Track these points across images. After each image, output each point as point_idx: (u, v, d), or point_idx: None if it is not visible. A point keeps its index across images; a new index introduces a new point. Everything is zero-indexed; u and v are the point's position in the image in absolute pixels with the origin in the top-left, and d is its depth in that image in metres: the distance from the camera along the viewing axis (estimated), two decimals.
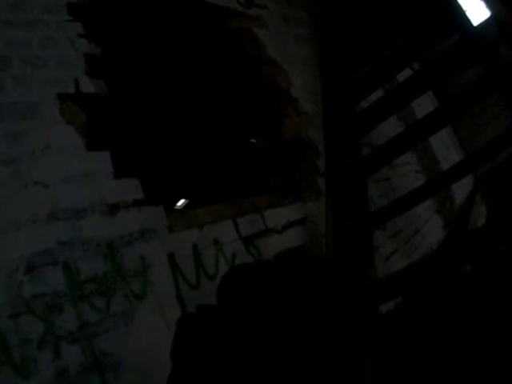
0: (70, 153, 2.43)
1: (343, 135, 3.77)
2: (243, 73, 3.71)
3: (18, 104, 2.38)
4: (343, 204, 3.50)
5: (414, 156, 5.56)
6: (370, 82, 3.93)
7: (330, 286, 1.53)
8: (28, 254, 2.13)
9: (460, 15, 3.55)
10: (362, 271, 3.32)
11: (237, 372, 1.26)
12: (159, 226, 2.55)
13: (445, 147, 7.87)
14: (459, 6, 3.59)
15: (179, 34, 3.49)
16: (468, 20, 3.57)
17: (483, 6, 4.08)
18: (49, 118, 2.46)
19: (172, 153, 2.96)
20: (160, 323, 2.35)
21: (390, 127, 4.99)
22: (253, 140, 3.78)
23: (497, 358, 2.20)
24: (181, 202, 7.90)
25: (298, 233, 3.30)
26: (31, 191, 2.27)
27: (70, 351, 2.05)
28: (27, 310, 2.01)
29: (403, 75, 4.50)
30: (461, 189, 7.46)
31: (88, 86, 2.65)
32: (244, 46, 3.81)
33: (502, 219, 2.78)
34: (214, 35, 3.70)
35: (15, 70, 2.49)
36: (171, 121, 3.22)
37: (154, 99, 3.16)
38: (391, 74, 4.12)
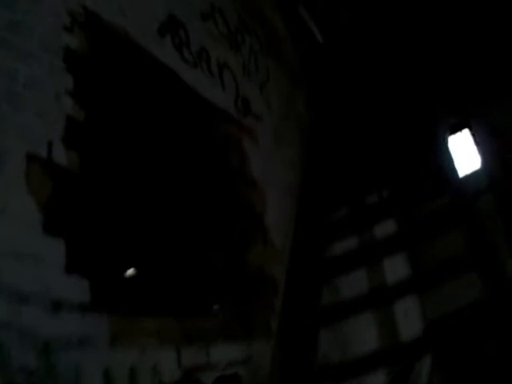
0: (26, 227, 2.00)
1: (307, 280, 3.64)
2: (221, 184, 3.45)
3: None
4: (293, 353, 3.28)
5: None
6: (344, 230, 3.89)
7: None
8: None
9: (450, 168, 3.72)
10: None
11: None
12: (100, 338, 2.14)
13: None
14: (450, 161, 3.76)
15: (168, 126, 3.29)
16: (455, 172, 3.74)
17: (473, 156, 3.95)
18: (13, 176, 2.04)
19: (133, 250, 2.59)
20: None
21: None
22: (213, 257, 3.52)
23: None
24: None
25: (242, 372, 2.95)
26: None
27: None
28: None
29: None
30: None
31: (61, 155, 2.29)
32: (229, 156, 3.59)
33: None
34: (202, 134, 3.45)
35: None
36: (141, 214, 2.89)
37: (127, 187, 2.84)
38: (369, 223, 4.02)
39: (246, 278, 3.31)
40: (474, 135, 4.05)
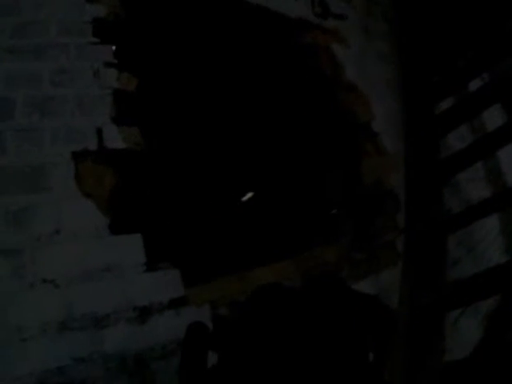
0: (88, 238, 1.81)
1: (428, 183, 3.01)
2: (316, 99, 2.94)
3: (20, 169, 1.76)
4: (422, 273, 2.77)
5: None
6: (455, 119, 3.11)
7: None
8: (37, 373, 1.59)
9: None
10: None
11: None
12: None
13: None
14: None
15: (240, 56, 2.74)
16: None
17: None
18: (60, 188, 1.84)
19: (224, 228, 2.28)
20: None
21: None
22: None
23: None
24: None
25: None
26: (38, 292, 1.71)
27: None
28: None
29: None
30: None
31: (115, 138, 2.01)
32: (319, 65, 3.02)
33: None
34: (284, 51, 2.95)
35: (18, 118, 1.86)
36: (227, 182, 2.49)
37: (206, 151, 2.43)
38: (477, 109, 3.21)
39: (363, 195, 2.85)
40: None
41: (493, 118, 3.70)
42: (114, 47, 2.21)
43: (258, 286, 2.04)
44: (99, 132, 1.97)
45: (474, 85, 3.41)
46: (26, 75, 1.97)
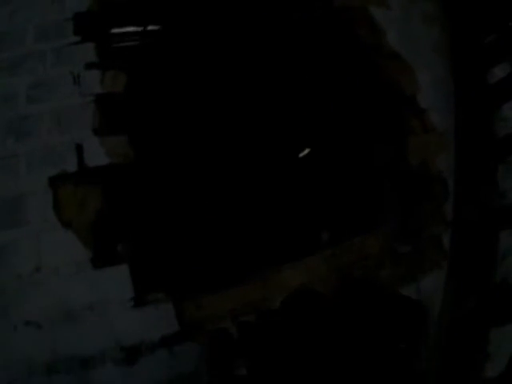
0: (69, 275, 1.64)
1: (481, 164, 2.45)
2: (353, 68, 2.52)
3: None
4: (469, 274, 2.30)
5: None
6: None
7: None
8: None
9: None
10: None
11: None
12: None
13: None
14: None
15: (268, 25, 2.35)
16: None
17: None
18: (38, 220, 1.68)
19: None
20: None
21: None
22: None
23: None
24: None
25: None
26: (22, 334, 1.61)
27: None
28: None
29: None
30: None
31: (98, 152, 1.79)
32: (356, 32, 2.52)
33: None
34: (312, 19, 2.52)
35: None
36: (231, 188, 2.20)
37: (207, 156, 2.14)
38: None
39: (409, 177, 2.42)
40: None
41: None
42: (97, 43, 1.92)
43: (289, 294, 1.90)
44: (79, 149, 1.76)
45: None
46: (1, 94, 1.79)
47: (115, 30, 2.15)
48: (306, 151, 2.97)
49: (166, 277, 1.78)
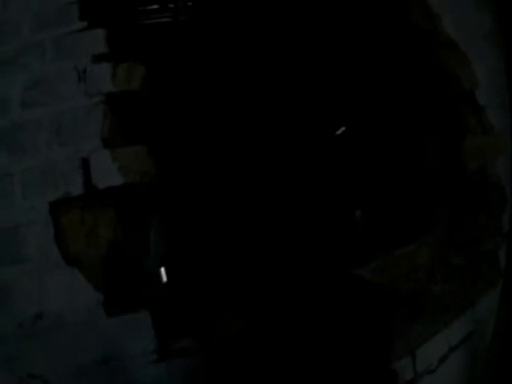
0: (78, 322, 1.32)
1: None
2: (407, 55, 2.14)
3: None
4: None
5: None
6: None
7: None
8: None
9: None
10: None
11: None
12: None
13: None
14: None
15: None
16: None
17: None
18: (39, 256, 1.35)
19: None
20: None
21: None
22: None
23: None
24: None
25: (460, 364, 1.92)
26: None
27: None
28: None
29: None
30: None
31: (109, 170, 1.42)
32: (409, 16, 2.12)
33: None
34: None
35: None
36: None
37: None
38: None
39: (464, 183, 2.14)
40: None
41: None
42: (107, 29, 1.54)
43: None
44: (85, 165, 1.40)
45: None
46: None
47: (131, 10, 1.75)
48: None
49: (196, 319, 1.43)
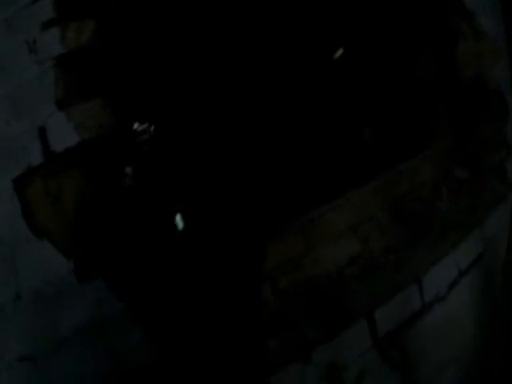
0: (52, 296, 1.23)
1: None
2: None
3: None
4: None
5: None
6: None
7: None
8: None
9: None
10: None
11: None
12: None
13: None
14: None
15: None
16: None
17: None
18: (11, 237, 1.29)
19: None
20: None
21: None
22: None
23: None
24: None
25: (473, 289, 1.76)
26: (17, 372, 1.28)
27: None
28: None
29: None
30: None
31: (66, 131, 1.33)
32: None
33: None
34: None
35: None
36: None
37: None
38: None
39: (461, 91, 2.00)
40: None
41: None
42: None
43: None
44: (42, 133, 1.31)
45: None
46: None
47: None
48: (341, 55, 2.30)
49: None
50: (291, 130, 2.03)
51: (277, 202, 1.76)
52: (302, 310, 1.57)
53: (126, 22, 1.60)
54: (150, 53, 1.64)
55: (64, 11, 1.51)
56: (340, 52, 2.15)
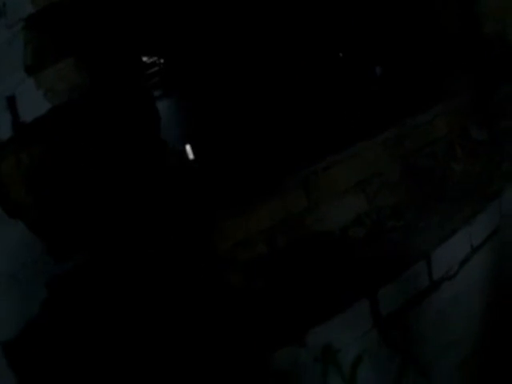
0: (29, 278, 1.16)
1: None
2: None
3: None
4: None
5: None
6: None
7: None
8: None
9: None
10: None
11: None
12: None
13: None
14: None
15: None
16: None
17: None
18: None
19: None
20: None
21: None
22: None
23: None
24: None
25: (485, 266, 1.58)
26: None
27: None
28: None
29: None
30: None
31: (35, 98, 1.22)
32: None
33: None
34: None
35: None
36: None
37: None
38: None
39: (482, 48, 1.77)
40: None
41: None
42: None
43: None
44: (11, 103, 1.20)
45: None
46: None
47: None
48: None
49: None
50: (295, 66, 1.91)
51: (276, 149, 1.64)
52: (299, 278, 1.46)
53: None
54: None
55: None
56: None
